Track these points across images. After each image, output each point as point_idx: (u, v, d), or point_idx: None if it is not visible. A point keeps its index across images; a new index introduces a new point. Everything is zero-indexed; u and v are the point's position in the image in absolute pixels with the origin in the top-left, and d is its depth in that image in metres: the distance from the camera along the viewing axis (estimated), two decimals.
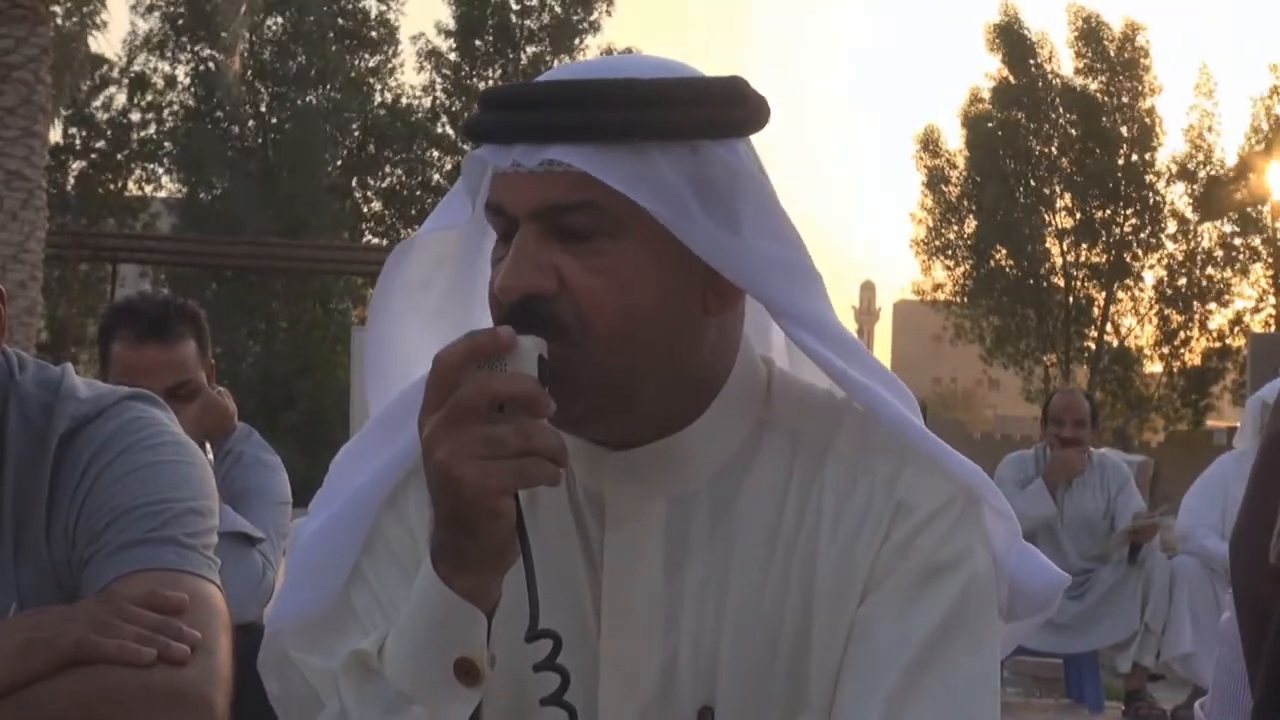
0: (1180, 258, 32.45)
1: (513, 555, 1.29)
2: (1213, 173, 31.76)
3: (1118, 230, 32.41)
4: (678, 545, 1.42)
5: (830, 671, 1.39)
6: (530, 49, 31.51)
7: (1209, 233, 32.45)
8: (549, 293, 1.32)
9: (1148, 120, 32.29)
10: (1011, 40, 32.56)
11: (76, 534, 1.59)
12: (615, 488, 1.42)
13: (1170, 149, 32.52)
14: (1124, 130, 32.19)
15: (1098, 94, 32.22)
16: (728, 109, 1.37)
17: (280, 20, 30.13)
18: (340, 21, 30.59)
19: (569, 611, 1.40)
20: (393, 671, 1.32)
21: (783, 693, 1.40)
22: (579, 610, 1.42)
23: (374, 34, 31.15)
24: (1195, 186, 31.88)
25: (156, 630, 1.45)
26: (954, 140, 33.86)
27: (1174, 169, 32.09)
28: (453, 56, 31.62)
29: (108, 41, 29.95)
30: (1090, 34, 32.40)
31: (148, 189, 31.00)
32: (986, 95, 33.10)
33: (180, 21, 29.47)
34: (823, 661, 1.39)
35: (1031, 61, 32.37)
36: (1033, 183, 32.72)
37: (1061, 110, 32.38)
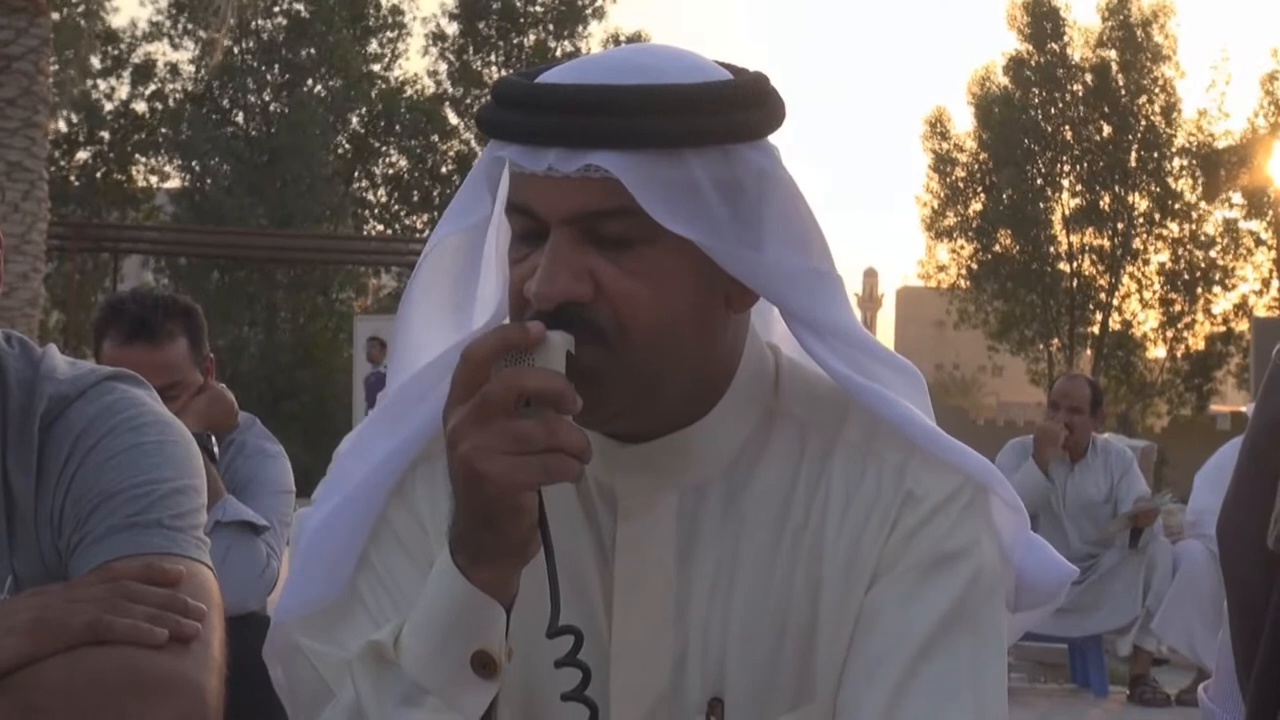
0: (1185, 241, 32.35)
1: (533, 549, 1.30)
2: (1218, 146, 31.65)
3: (1123, 213, 32.32)
4: (688, 536, 1.42)
5: (837, 660, 1.39)
6: (533, 34, 31.30)
7: (1211, 218, 32.42)
8: (585, 299, 1.32)
9: (1167, 102, 32.17)
10: (1037, 15, 32.37)
11: (63, 520, 1.56)
12: (628, 481, 1.42)
13: (1183, 133, 32.39)
14: (1143, 110, 32.03)
15: (1117, 70, 32.04)
16: (757, 110, 1.36)
17: (283, 6, 29.94)
18: (329, 3, 30.31)
19: (579, 604, 1.40)
20: (409, 663, 1.31)
21: (791, 681, 1.41)
22: (589, 603, 1.41)
23: (380, 19, 30.94)
24: (1199, 169, 31.77)
25: (163, 607, 1.43)
26: (962, 123, 33.85)
27: (1186, 159, 31.96)
28: (458, 37, 31.36)
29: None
30: (1120, 8, 32.28)
31: (153, 180, 30.86)
32: (1000, 74, 32.99)
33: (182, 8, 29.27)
34: (830, 650, 1.39)
35: (1052, 43, 32.22)
36: (1042, 165, 32.61)
37: (1078, 86, 32.19)
